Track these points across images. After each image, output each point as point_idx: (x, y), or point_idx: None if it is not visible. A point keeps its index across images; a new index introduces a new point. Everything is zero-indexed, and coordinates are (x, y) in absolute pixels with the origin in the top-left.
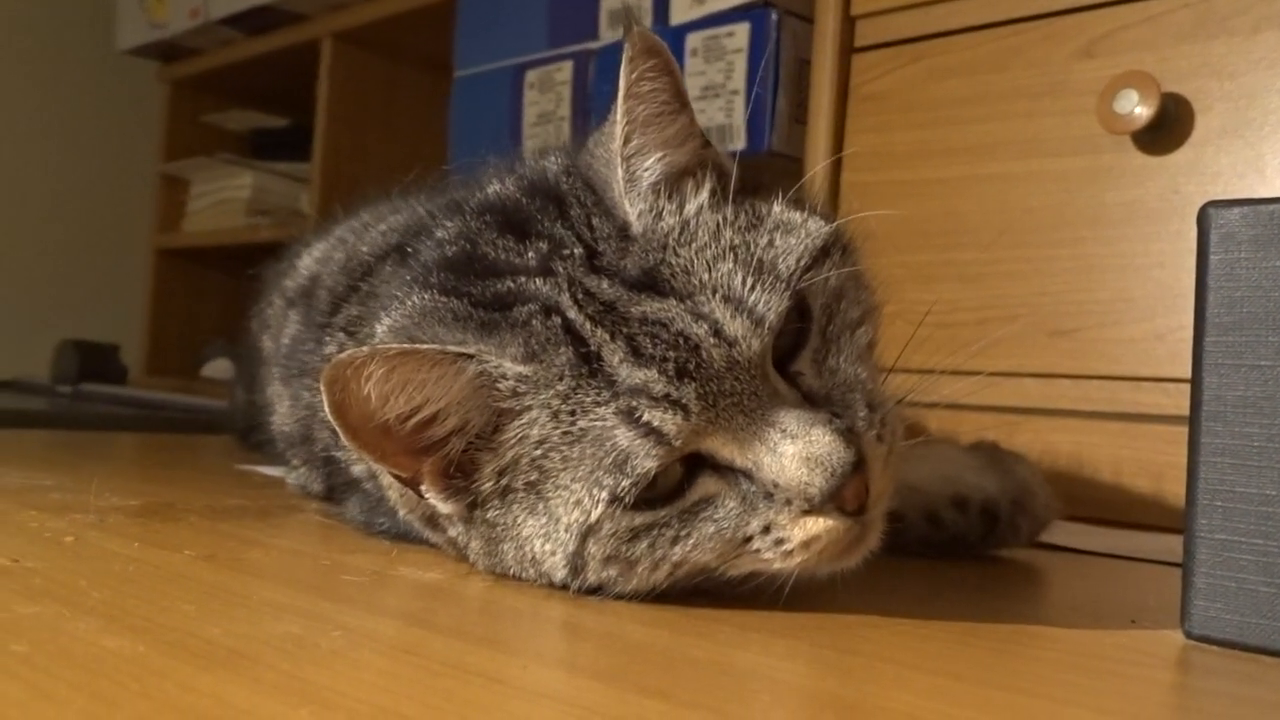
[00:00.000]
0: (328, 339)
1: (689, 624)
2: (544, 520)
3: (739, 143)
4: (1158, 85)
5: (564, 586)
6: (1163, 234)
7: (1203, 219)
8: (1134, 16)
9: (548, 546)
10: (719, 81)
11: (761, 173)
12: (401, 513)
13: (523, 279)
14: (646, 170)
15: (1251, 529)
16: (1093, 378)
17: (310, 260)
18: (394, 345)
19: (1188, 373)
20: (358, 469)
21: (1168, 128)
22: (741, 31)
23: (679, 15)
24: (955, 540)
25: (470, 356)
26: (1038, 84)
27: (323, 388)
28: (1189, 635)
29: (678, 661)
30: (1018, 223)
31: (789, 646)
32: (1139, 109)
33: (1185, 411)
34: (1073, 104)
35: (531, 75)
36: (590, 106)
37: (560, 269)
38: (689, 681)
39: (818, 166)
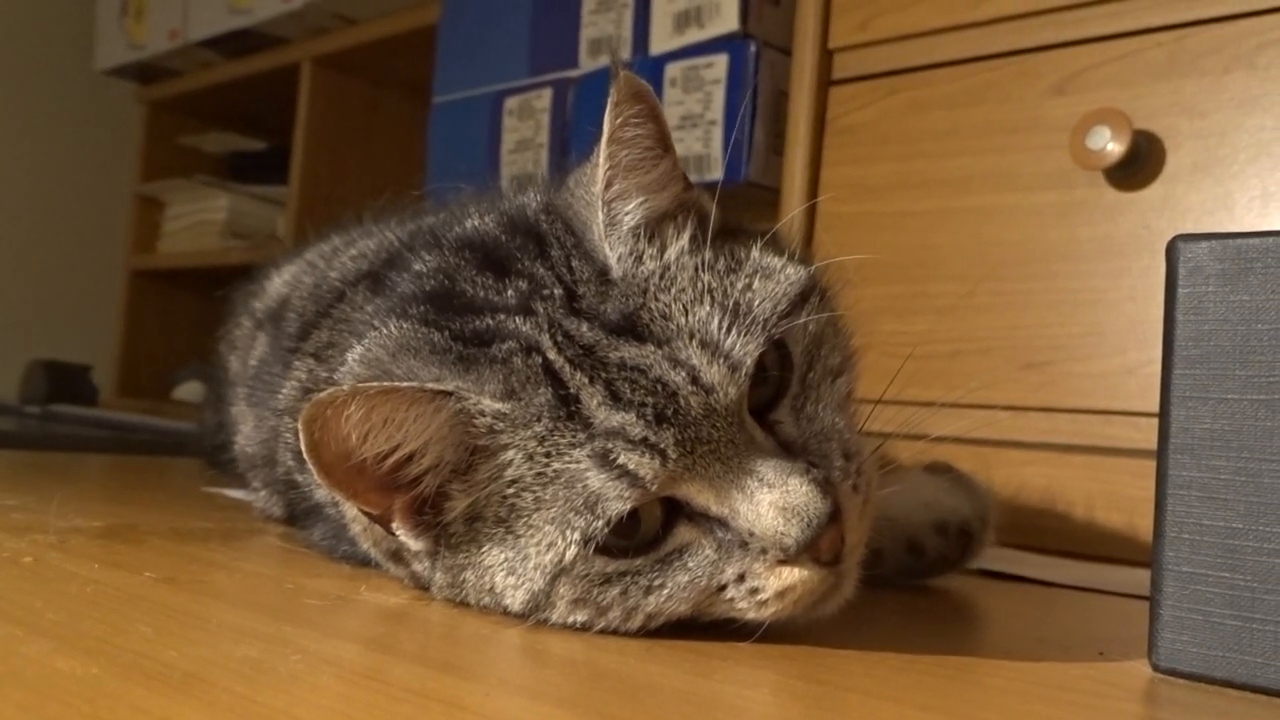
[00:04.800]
0: (296, 364)
1: (654, 652)
2: (511, 554)
3: (716, 173)
4: (1130, 122)
5: (519, 617)
6: (1133, 269)
7: (1171, 252)
8: (1106, 55)
9: (511, 580)
10: (697, 112)
11: (739, 205)
12: (364, 545)
13: (502, 317)
14: (628, 214)
15: (1218, 562)
16: (1064, 411)
17: (279, 283)
18: (374, 384)
19: (1157, 407)
20: (320, 494)
21: (1139, 164)
22: (720, 63)
23: (658, 45)
24: (936, 564)
25: (449, 394)
26: (1012, 119)
27: (301, 426)
28: (1156, 668)
29: (642, 689)
30: (991, 256)
31: (755, 675)
32: (1111, 145)
33: (1155, 445)
34: (1046, 140)
35: (510, 102)
36: (569, 134)
37: (540, 309)
38: (653, 710)
39: (794, 200)
